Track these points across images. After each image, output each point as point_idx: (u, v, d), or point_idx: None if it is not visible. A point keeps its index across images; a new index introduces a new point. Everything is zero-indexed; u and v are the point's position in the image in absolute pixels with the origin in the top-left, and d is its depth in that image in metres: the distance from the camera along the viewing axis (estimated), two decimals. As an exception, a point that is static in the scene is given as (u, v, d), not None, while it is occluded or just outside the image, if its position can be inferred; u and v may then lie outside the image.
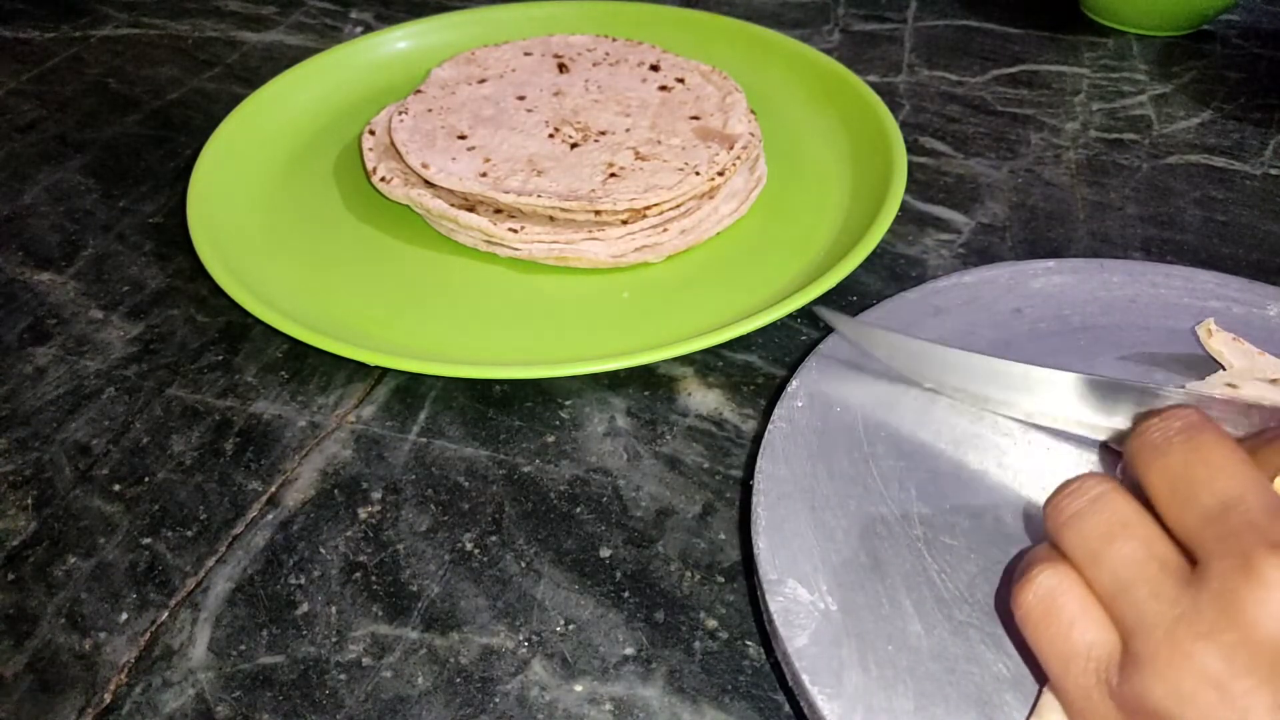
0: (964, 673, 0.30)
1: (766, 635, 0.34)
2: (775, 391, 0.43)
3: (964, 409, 0.39)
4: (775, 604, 0.32)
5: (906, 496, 0.36)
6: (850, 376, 0.40)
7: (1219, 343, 0.41)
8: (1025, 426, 0.38)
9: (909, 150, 0.55)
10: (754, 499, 0.35)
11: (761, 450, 0.37)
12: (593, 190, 0.50)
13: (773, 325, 0.47)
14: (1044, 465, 0.37)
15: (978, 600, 0.32)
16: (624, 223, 0.50)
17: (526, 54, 0.63)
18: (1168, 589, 0.23)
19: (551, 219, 0.51)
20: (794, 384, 0.40)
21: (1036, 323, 0.43)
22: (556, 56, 0.63)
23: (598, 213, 0.49)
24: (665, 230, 0.51)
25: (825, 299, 0.48)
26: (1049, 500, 0.27)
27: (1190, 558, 0.24)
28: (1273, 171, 0.59)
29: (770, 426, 0.38)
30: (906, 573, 0.33)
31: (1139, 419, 0.28)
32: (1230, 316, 0.43)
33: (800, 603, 0.32)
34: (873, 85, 0.62)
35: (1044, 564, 0.27)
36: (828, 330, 0.43)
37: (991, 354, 0.40)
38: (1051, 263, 0.46)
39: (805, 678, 0.30)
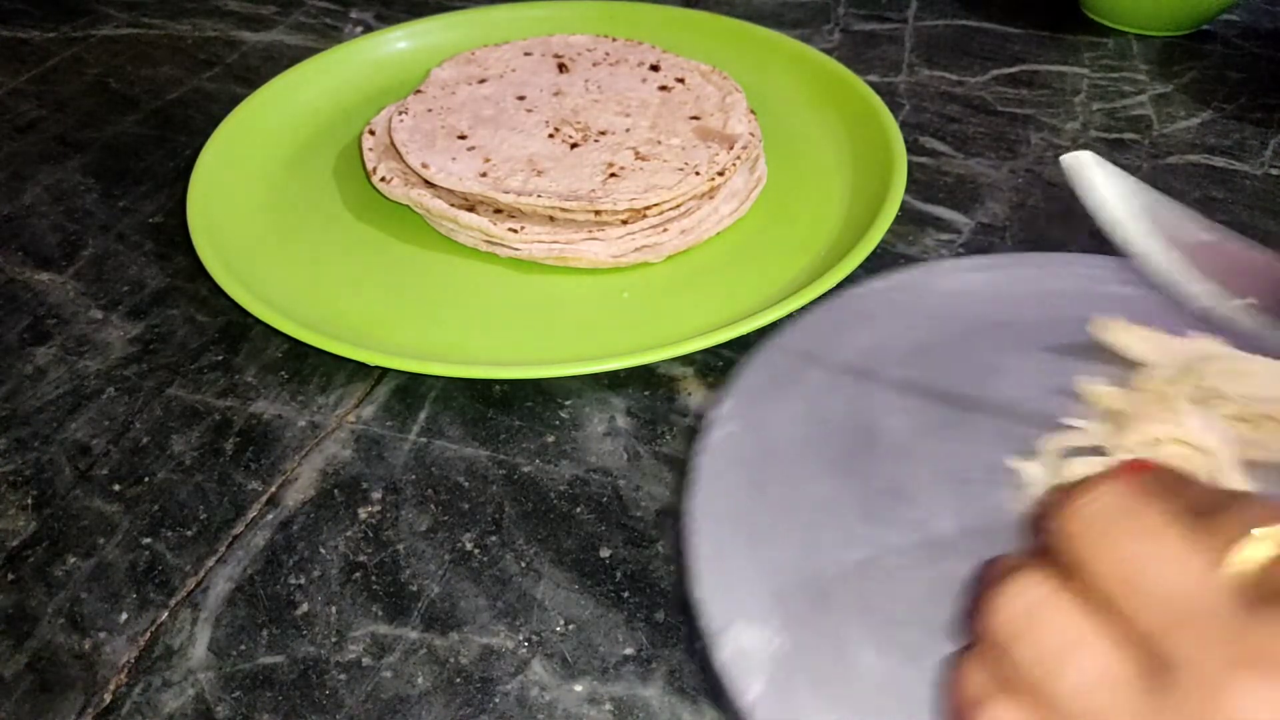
0: (922, 703, 0.29)
1: (714, 688, 0.32)
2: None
3: (897, 421, 0.38)
4: (725, 651, 0.30)
5: (846, 520, 0.34)
6: (776, 398, 0.39)
7: (1121, 336, 0.40)
8: (961, 436, 0.37)
9: (909, 150, 0.55)
10: (691, 540, 0.33)
11: (693, 484, 0.35)
12: (592, 190, 0.50)
13: (772, 326, 0.47)
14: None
15: (928, 621, 0.31)
16: (624, 223, 0.50)
17: (526, 54, 0.63)
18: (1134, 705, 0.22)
19: (551, 219, 0.51)
20: (720, 409, 0.38)
21: (951, 323, 0.42)
22: (556, 56, 0.63)
23: (598, 213, 0.49)
24: (665, 230, 0.51)
25: (821, 297, 0.48)
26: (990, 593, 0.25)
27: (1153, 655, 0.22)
28: (1273, 171, 0.59)
29: (700, 457, 0.36)
30: (854, 601, 0.31)
31: (1071, 497, 0.25)
32: (1133, 300, 0.42)
33: (750, 648, 0.30)
34: (873, 85, 0.61)
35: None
36: (746, 355, 0.41)
37: (909, 356, 0.40)
38: (964, 260, 0.45)
39: None
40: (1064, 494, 0.25)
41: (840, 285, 0.45)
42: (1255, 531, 0.22)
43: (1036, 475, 0.36)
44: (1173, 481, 0.26)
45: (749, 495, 0.35)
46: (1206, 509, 0.24)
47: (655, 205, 0.50)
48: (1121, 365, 0.40)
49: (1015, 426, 0.38)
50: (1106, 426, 0.37)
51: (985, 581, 0.25)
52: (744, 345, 0.46)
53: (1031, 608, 0.23)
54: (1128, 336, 0.40)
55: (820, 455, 0.37)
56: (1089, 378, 0.39)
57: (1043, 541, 0.25)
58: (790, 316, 0.43)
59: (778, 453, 0.37)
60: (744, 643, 0.30)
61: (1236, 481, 0.34)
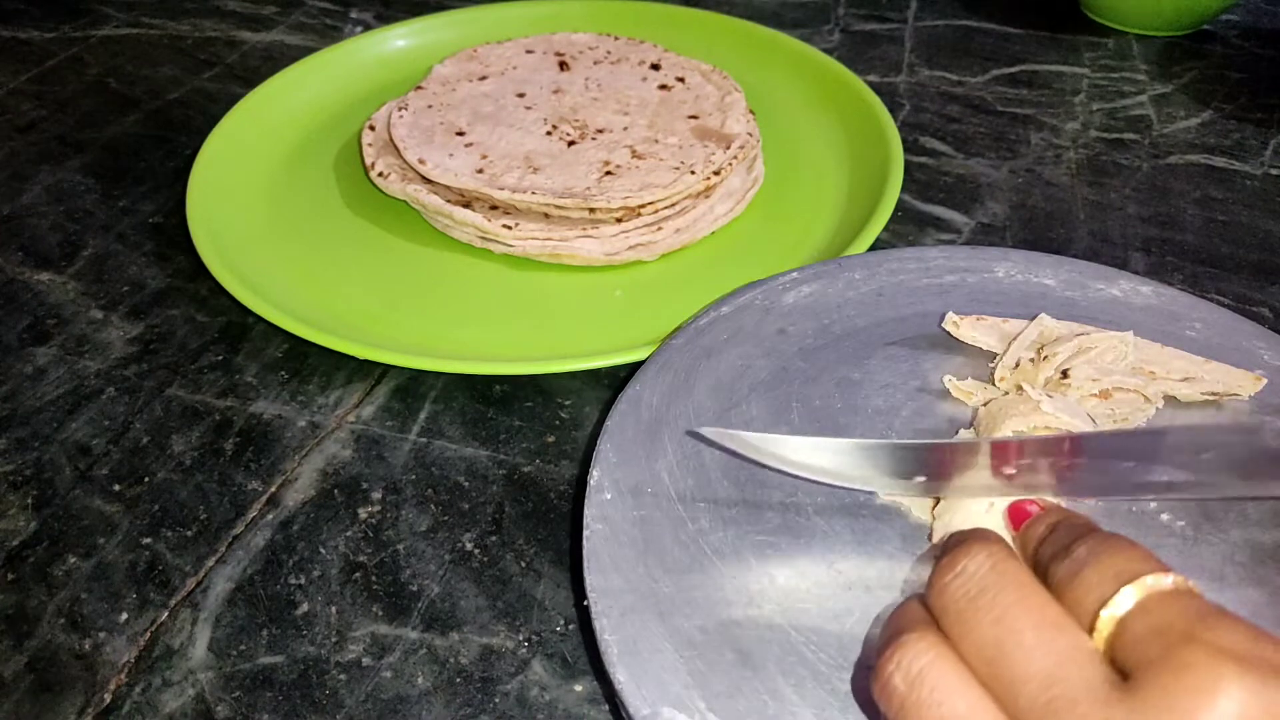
0: None
1: None
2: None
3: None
4: None
5: (746, 568, 0.33)
6: (649, 449, 0.36)
7: (968, 331, 0.41)
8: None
9: (909, 150, 0.55)
10: (596, 624, 0.31)
11: (586, 563, 0.32)
12: (587, 188, 0.50)
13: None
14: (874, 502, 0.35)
15: (854, 662, 0.30)
16: (618, 221, 0.50)
17: (529, 51, 0.63)
18: None
19: (546, 216, 0.51)
20: (595, 475, 0.35)
21: (803, 339, 0.41)
22: (558, 54, 0.63)
23: (592, 210, 0.49)
24: (659, 229, 0.51)
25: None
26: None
27: None
28: (1273, 171, 0.59)
29: (586, 532, 0.33)
30: (777, 656, 0.30)
31: (938, 569, 0.25)
32: (967, 286, 0.43)
33: None
34: (873, 85, 0.62)
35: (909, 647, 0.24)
36: (606, 408, 0.39)
37: (771, 383, 0.39)
38: (796, 273, 0.44)
39: None
40: (944, 552, 0.25)
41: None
42: (1119, 592, 0.22)
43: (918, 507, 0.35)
44: (1043, 529, 0.26)
45: (645, 564, 0.33)
46: (1068, 559, 0.24)
47: (650, 204, 0.50)
48: (972, 356, 0.40)
49: (891, 436, 0.37)
50: (975, 429, 0.37)
51: (885, 637, 0.25)
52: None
53: (920, 675, 0.23)
54: (973, 330, 0.41)
55: (707, 504, 0.35)
56: (952, 375, 0.39)
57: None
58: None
59: (663, 510, 0.34)
60: None
61: None
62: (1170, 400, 0.38)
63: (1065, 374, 0.37)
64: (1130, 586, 0.22)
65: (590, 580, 0.32)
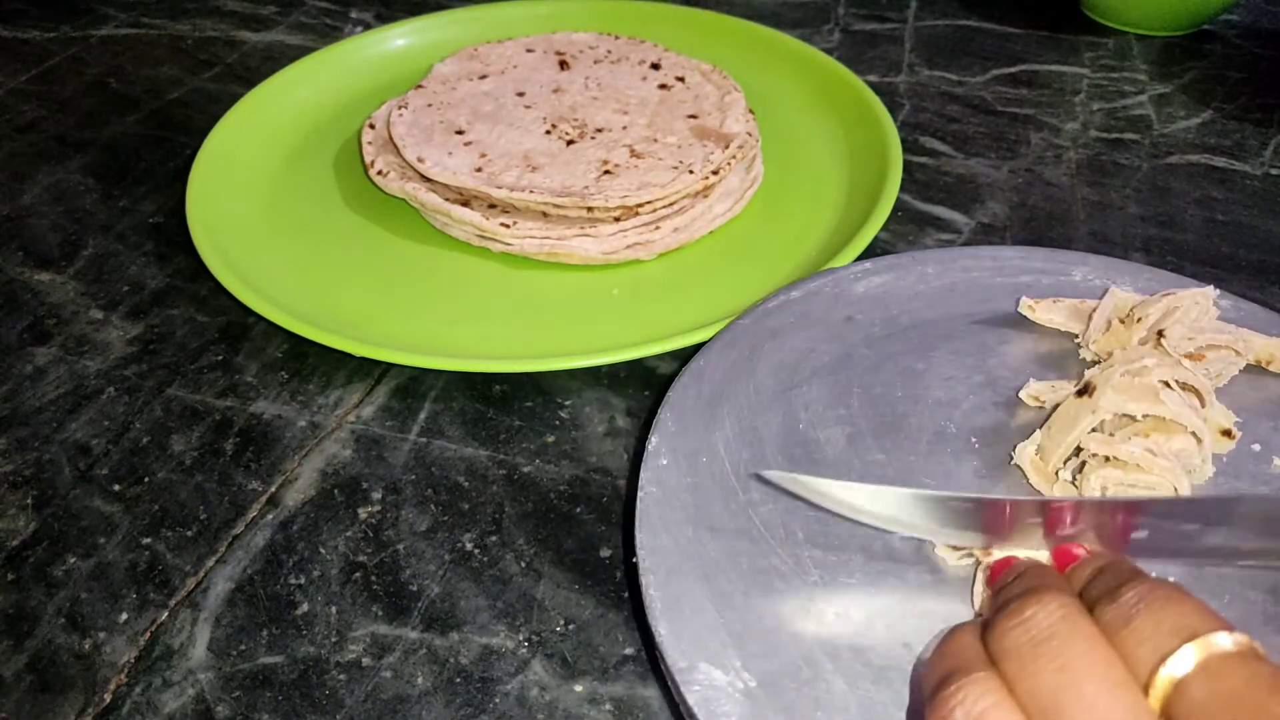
0: None
1: (677, 713, 0.32)
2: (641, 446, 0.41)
3: (832, 433, 0.38)
4: (693, 695, 0.29)
5: (794, 541, 0.34)
6: (708, 420, 0.38)
7: (1044, 313, 0.41)
8: (898, 444, 0.37)
9: (909, 150, 0.55)
10: (643, 579, 0.32)
11: (637, 523, 0.34)
12: (586, 187, 0.50)
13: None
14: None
15: (888, 638, 0.31)
16: (616, 220, 0.50)
17: (529, 50, 0.63)
18: None
19: (545, 215, 0.51)
20: (653, 441, 0.37)
21: (870, 328, 0.42)
22: (558, 54, 0.63)
23: (590, 209, 0.49)
24: (657, 228, 0.51)
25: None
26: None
27: None
28: (1273, 171, 0.59)
29: (640, 494, 0.35)
30: (815, 627, 0.31)
31: (1004, 612, 0.24)
32: (1041, 287, 0.43)
33: (718, 687, 0.29)
34: (873, 85, 0.62)
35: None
36: (672, 375, 0.40)
37: (834, 367, 0.40)
38: (868, 263, 0.45)
39: None
40: (997, 600, 0.24)
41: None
42: (1178, 651, 0.21)
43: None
44: (1089, 573, 0.26)
45: (694, 528, 0.34)
46: (1116, 603, 0.23)
47: (648, 203, 0.50)
48: (1041, 354, 0.40)
49: (949, 427, 0.38)
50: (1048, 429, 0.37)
51: (941, 669, 0.24)
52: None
53: (982, 716, 0.22)
54: (1049, 312, 0.41)
55: (759, 477, 0.36)
56: (1032, 378, 0.39)
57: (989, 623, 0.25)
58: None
59: (716, 479, 0.36)
60: (713, 681, 0.29)
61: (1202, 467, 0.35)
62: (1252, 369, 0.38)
63: (1160, 335, 0.37)
64: (1191, 645, 0.21)
65: (640, 538, 0.33)
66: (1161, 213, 0.55)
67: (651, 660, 0.34)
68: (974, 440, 0.37)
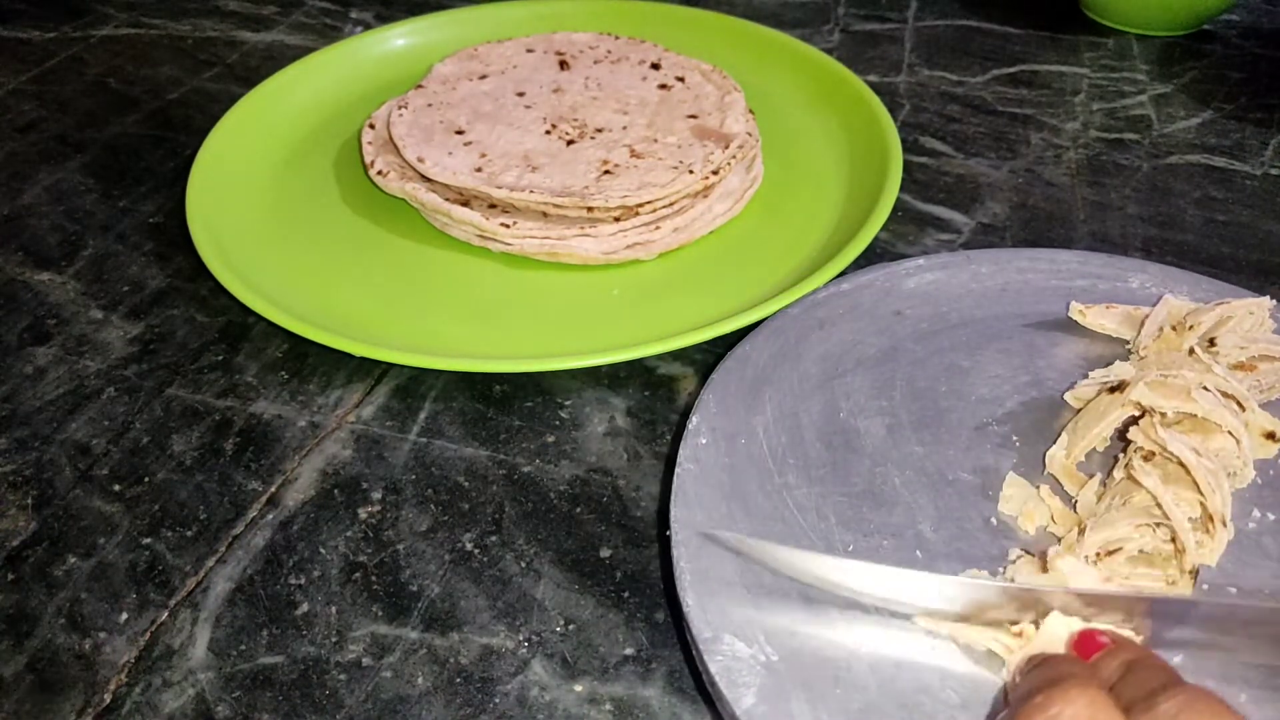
0: (915, 705, 0.29)
1: (709, 696, 0.32)
2: (679, 430, 0.42)
3: (872, 424, 0.38)
4: (715, 664, 0.30)
5: (826, 525, 0.34)
6: (749, 404, 0.39)
7: (1095, 318, 0.41)
8: (937, 437, 0.37)
9: (909, 150, 0.55)
10: (674, 551, 0.33)
11: (673, 497, 0.35)
12: (585, 187, 0.50)
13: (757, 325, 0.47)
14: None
15: (914, 626, 0.31)
16: (616, 220, 0.50)
17: (529, 51, 0.63)
18: None
19: (545, 215, 0.51)
20: (694, 420, 0.38)
21: (918, 323, 0.42)
22: (558, 54, 0.63)
23: (590, 209, 0.49)
24: (657, 228, 0.51)
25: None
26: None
27: None
28: (1273, 171, 0.59)
29: (677, 469, 0.36)
30: (841, 607, 0.32)
31: (1028, 707, 0.24)
32: (1096, 293, 0.43)
33: (740, 658, 0.30)
34: (873, 85, 0.62)
35: None
36: (717, 360, 0.41)
37: (879, 359, 0.40)
38: (921, 260, 0.45)
39: None
40: (1030, 689, 0.24)
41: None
42: None
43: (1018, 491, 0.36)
44: (1117, 666, 0.25)
45: (729, 505, 0.35)
46: (1152, 714, 0.23)
47: (648, 203, 0.50)
48: (1091, 357, 0.40)
49: (991, 424, 0.38)
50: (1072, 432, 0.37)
51: None
52: (736, 342, 0.46)
53: None
54: (1100, 317, 0.41)
55: (797, 461, 0.37)
56: (1079, 386, 0.39)
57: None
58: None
59: (753, 461, 0.37)
60: (735, 653, 0.30)
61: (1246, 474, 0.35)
62: None
63: (1212, 342, 0.37)
64: None
65: (674, 512, 0.34)
66: (1161, 213, 0.55)
67: (679, 630, 0.35)
68: (1015, 438, 0.38)
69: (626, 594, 0.36)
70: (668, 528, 0.34)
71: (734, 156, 0.53)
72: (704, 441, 0.37)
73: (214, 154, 0.56)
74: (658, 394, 0.44)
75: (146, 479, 0.41)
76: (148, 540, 0.39)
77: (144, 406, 0.45)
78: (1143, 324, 0.40)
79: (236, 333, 0.48)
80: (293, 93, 0.63)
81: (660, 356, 0.46)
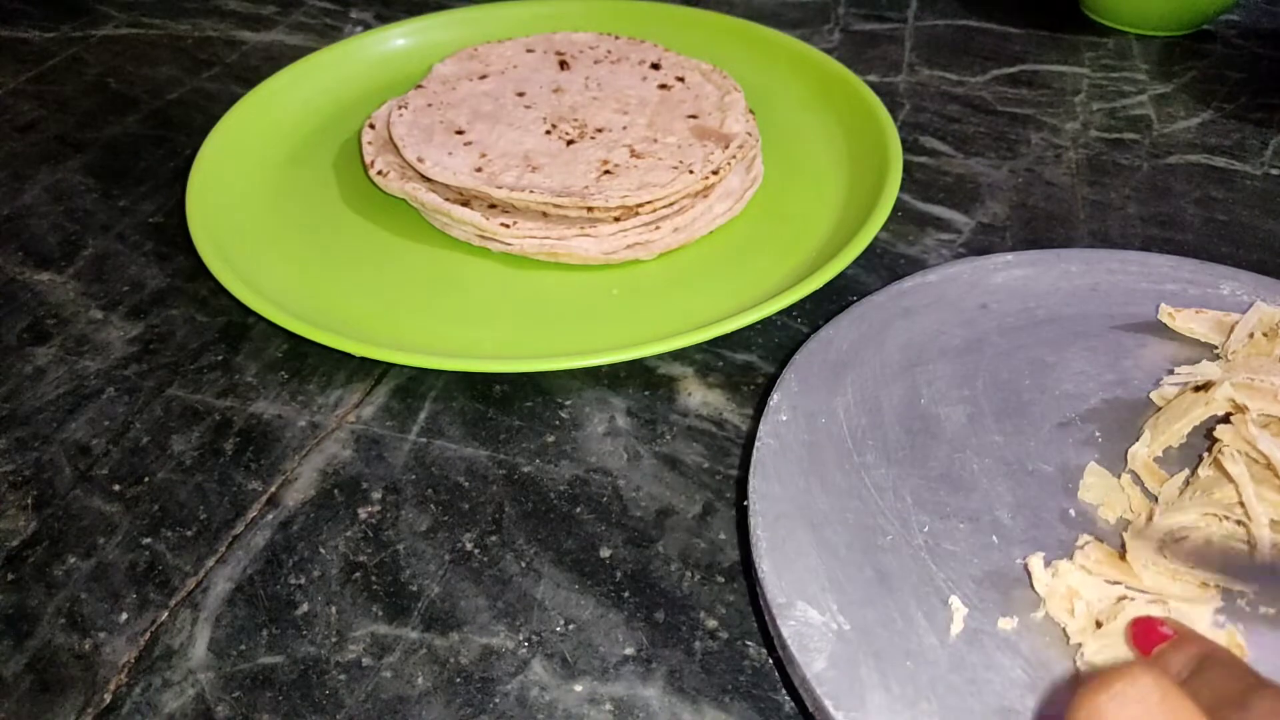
0: (984, 681, 0.30)
1: (771, 646, 0.34)
2: (761, 402, 0.43)
3: (953, 411, 0.39)
4: (788, 628, 0.31)
5: (903, 505, 0.35)
6: (830, 385, 0.40)
7: (1185, 322, 0.42)
8: (1018, 428, 0.38)
9: (909, 150, 0.55)
10: (751, 520, 0.34)
11: (752, 469, 0.36)
12: (586, 187, 0.50)
13: (772, 324, 0.47)
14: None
15: (986, 605, 0.32)
16: (616, 220, 0.50)
17: (529, 51, 0.63)
18: None
19: (545, 215, 0.51)
20: (775, 398, 0.39)
21: (1004, 317, 0.43)
22: (558, 54, 0.63)
23: (590, 209, 0.49)
24: (657, 228, 0.51)
25: (822, 297, 0.48)
26: None
27: None
28: (1273, 171, 0.59)
29: (758, 444, 0.37)
30: (914, 584, 0.33)
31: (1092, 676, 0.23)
32: (1187, 298, 0.44)
33: (813, 625, 0.31)
34: (873, 85, 0.62)
35: None
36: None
37: (963, 350, 0.40)
38: (1010, 256, 0.46)
39: (829, 703, 0.29)
40: (1092, 679, 0.23)
41: (881, 284, 0.45)
42: None
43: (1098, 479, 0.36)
44: (1187, 660, 0.24)
45: (806, 480, 0.36)
46: (1224, 697, 0.22)
47: (648, 203, 0.50)
48: (1180, 358, 0.41)
49: (1074, 420, 0.38)
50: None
51: None
52: (744, 344, 0.46)
53: None
54: (1190, 321, 0.41)
55: (876, 443, 0.37)
56: (1165, 385, 0.39)
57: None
58: (787, 315, 0.43)
59: (833, 440, 0.38)
60: (808, 620, 0.31)
61: None
62: None
63: None
64: None
65: (753, 484, 0.36)
66: (1161, 213, 0.55)
67: (753, 599, 0.36)
68: (1098, 435, 0.38)
69: (626, 594, 0.36)
70: (744, 498, 0.36)
71: (734, 156, 0.53)
72: (784, 418, 0.38)
73: (214, 154, 0.56)
74: (658, 394, 0.44)
75: (146, 479, 0.41)
76: (147, 540, 0.39)
77: (144, 406, 0.45)
78: (1232, 329, 0.40)
79: (236, 333, 0.48)
80: (293, 93, 0.63)
81: (660, 356, 0.46)
